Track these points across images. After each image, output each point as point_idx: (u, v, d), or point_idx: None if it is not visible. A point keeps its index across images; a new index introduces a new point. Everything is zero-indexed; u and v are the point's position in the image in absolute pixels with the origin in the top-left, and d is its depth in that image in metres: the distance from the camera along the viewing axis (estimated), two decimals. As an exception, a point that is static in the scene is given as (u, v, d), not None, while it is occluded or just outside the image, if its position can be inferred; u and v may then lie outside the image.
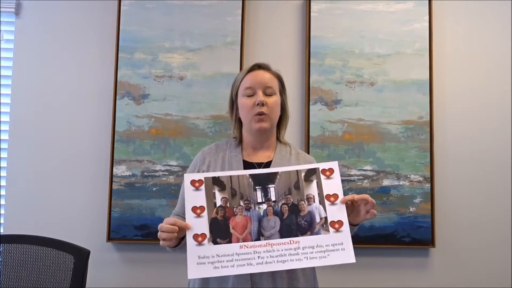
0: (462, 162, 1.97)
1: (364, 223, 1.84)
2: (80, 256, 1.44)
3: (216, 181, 1.10)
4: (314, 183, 1.11)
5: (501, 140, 1.98)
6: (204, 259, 1.03)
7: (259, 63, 1.29)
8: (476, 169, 1.96)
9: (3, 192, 1.91)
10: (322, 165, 1.12)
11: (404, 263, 1.92)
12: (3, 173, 1.91)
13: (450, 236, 1.93)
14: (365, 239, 1.86)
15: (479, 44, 2.02)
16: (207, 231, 1.06)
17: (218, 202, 1.09)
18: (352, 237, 1.08)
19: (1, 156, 1.93)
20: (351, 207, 1.11)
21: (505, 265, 1.94)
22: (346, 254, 1.03)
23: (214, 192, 1.09)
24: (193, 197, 1.09)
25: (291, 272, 1.16)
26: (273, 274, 1.15)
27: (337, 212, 1.07)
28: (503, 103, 1.99)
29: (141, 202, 1.85)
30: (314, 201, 1.09)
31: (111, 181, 1.85)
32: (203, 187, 1.10)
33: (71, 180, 1.91)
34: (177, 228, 1.05)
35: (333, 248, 1.04)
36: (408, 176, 1.89)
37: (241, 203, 1.09)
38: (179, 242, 1.12)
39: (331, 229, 1.06)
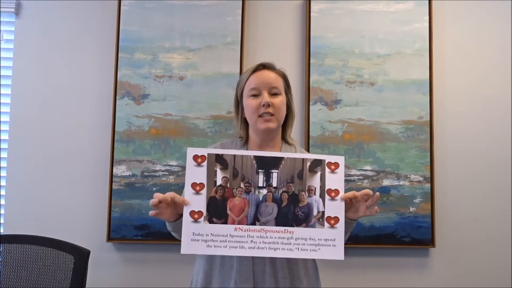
0: (462, 162, 1.97)
1: (364, 223, 1.84)
2: (80, 256, 1.44)
3: (219, 159, 1.09)
4: (318, 175, 1.10)
5: (501, 140, 1.98)
6: (198, 236, 1.04)
7: (264, 62, 1.28)
8: (476, 169, 1.96)
9: (3, 192, 1.91)
10: (328, 158, 1.11)
11: (404, 263, 1.92)
12: (3, 173, 1.91)
13: (450, 236, 1.93)
14: (365, 239, 1.85)
15: (479, 44, 2.02)
16: (204, 209, 1.06)
17: (219, 181, 1.08)
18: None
19: (1, 156, 1.93)
20: (350, 203, 1.10)
21: (505, 265, 1.94)
22: (336, 250, 1.05)
23: (216, 170, 1.09)
24: (194, 173, 1.08)
25: (293, 272, 1.17)
26: (275, 274, 1.15)
27: (335, 208, 1.08)
28: (503, 103, 1.99)
29: (141, 202, 1.85)
30: (314, 194, 1.08)
31: (111, 181, 1.85)
32: (205, 163, 1.08)
33: (71, 180, 1.91)
34: (168, 198, 1.04)
35: (324, 243, 1.05)
36: (408, 176, 1.89)
37: (242, 185, 1.08)
38: (178, 217, 1.10)
39: (326, 224, 1.07)
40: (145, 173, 1.86)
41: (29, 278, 1.45)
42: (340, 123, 1.91)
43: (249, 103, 1.23)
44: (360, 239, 1.85)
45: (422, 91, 1.93)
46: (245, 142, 1.29)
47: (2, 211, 1.90)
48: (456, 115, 1.98)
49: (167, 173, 1.86)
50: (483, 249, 1.94)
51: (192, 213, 1.05)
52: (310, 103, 1.91)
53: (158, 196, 1.04)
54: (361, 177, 1.89)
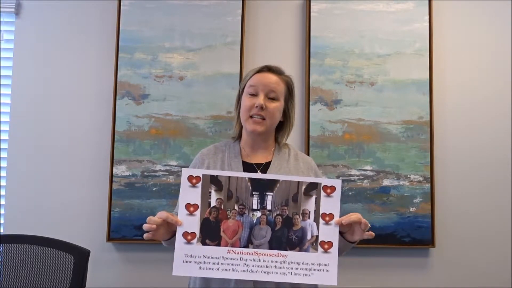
0: (462, 162, 1.96)
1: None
2: (80, 256, 1.44)
3: (214, 180, 1.08)
4: (313, 198, 1.08)
5: (501, 140, 1.98)
6: (190, 258, 1.04)
7: (270, 65, 1.27)
8: (476, 169, 1.96)
9: (3, 192, 1.91)
10: (324, 181, 1.10)
11: (404, 263, 1.92)
12: (3, 173, 1.91)
13: (450, 236, 1.93)
14: (365, 239, 1.85)
15: (479, 44, 2.01)
16: (197, 231, 1.05)
17: (213, 203, 1.07)
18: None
19: (1, 156, 1.93)
20: (347, 225, 1.09)
21: (505, 265, 1.94)
22: (329, 275, 1.04)
23: (210, 192, 1.08)
24: (188, 194, 1.07)
25: None
26: None
27: (329, 233, 1.07)
28: (503, 103, 1.99)
29: (141, 202, 1.85)
30: (309, 217, 1.07)
31: (111, 181, 1.85)
32: (199, 184, 1.08)
33: (71, 180, 1.91)
34: (161, 220, 1.04)
35: (318, 268, 1.05)
36: (408, 176, 1.89)
37: (236, 207, 1.07)
38: (172, 235, 1.10)
39: (320, 248, 1.06)
40: (145, 173, 1.86)
41: (29, 278, 1.45)
42: (340, 123, 1.91)
43: (245, 100, 1.23)
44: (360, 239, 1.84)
45: (422, 91, 1.93)
46: (237, 138, 1.30)
47: (2, 211, 1.90)
48: (456, 115, 1.98)
49: (167, 173, 1.86)
50: (483, 249, 1.94)
51: (185, 234, 1.05)
52: (310, 103, 1.91)
53: (152, 221, 1.04)
54: (361, 177, 1.89)
